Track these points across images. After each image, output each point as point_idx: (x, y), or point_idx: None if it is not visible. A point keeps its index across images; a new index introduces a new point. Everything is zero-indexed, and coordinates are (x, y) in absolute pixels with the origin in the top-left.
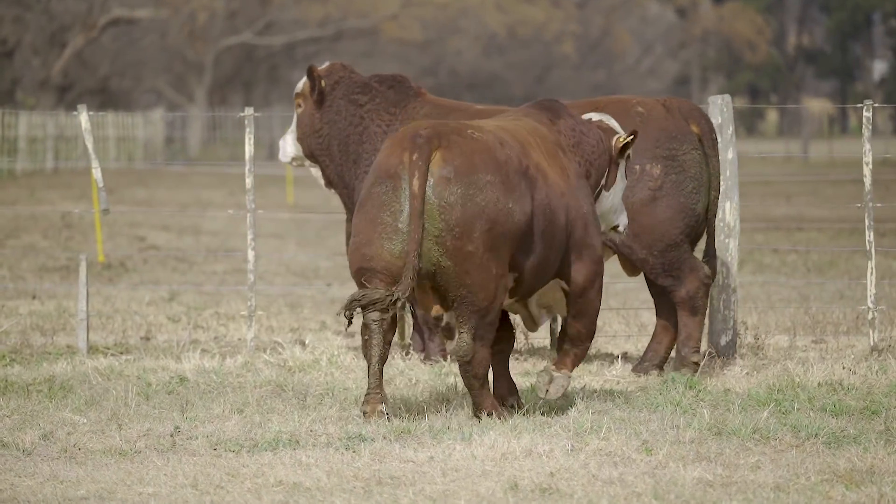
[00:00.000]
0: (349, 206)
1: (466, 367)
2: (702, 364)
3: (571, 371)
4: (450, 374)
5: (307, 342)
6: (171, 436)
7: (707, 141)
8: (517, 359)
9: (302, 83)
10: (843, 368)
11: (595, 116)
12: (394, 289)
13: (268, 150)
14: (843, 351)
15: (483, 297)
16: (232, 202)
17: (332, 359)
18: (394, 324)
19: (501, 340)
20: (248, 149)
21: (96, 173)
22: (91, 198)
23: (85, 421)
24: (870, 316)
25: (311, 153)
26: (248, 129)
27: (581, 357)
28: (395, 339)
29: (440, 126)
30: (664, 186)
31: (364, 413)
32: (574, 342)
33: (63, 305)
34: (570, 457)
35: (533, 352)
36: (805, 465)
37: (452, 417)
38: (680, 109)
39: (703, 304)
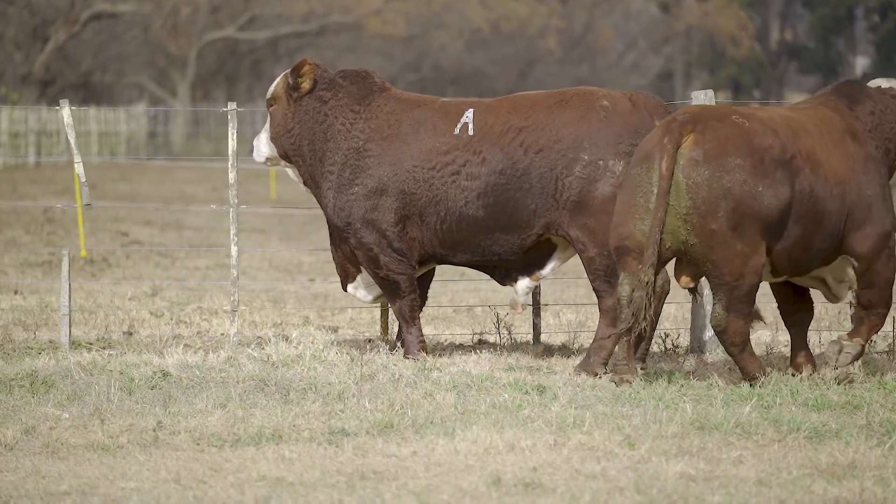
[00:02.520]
0: (323, 206)
1: (721, 337)
2: (600, 377)
3: (865, 340)
4: (433, 369)
5: (293, 337)
6: (154, 431)
7: None
8: (499, 354)
9: (275, 85)
10: (826, 363)
11: (884, 83)
12: (641, 269)
13: (251, 145)
14: (825, 346)
15: (728, 273)
16: (215, 197)
17: (316, 354)
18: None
19: (798, 312)
20: (232, 144)
21: (78, 168)
22: (73, 192)
23: (67, 416)
24: (851, 311)
25: (284, 153)
26: (231, 124)
27: (875, 326)
28: (379, 333)
29: (703, 111)
30: None
31: (614, 383)
32: (866, 312)
33: (45, 300)
34: (552, 451)
35: (516, 346)
36: (787, 459)
37: (435, 412)
38: (646, 105)
39: None
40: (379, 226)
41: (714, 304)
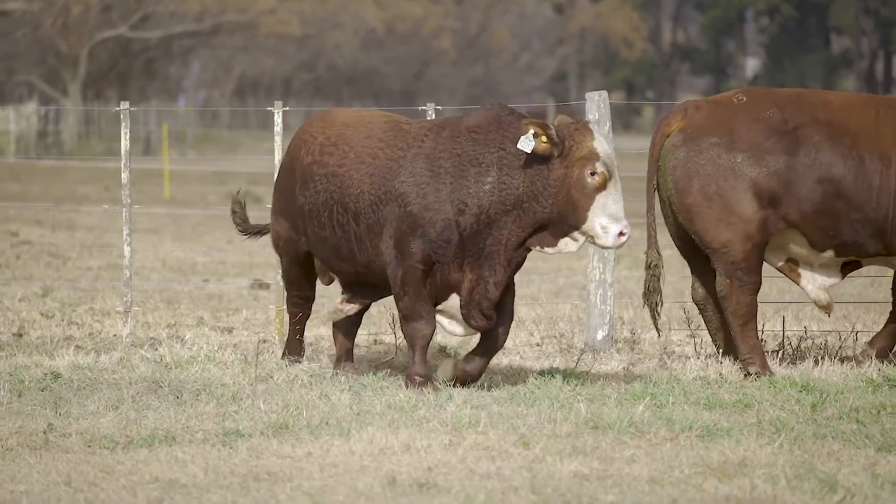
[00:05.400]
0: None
1: (724, 303)
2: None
3: None
4: (328, 369)
5: (186, 338)
6: (44, 433)
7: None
8: (395, 354)
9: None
10: (718, 362)
11: None
12: (647, 254)
13: (143, 145)
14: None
15: (714, 242)
16: (107, 197)
17: (210, 355)
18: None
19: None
20: (124, 143)
21: None
22: None
23: None
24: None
25: None
26: (123, 124)
27: None
28: (273, 334)
29: (701, 99)
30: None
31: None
32: None
33: None
34: (447, 451)
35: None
36: (679, 458)
37: (331, 413)
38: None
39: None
40: None
41: (718, 273)
